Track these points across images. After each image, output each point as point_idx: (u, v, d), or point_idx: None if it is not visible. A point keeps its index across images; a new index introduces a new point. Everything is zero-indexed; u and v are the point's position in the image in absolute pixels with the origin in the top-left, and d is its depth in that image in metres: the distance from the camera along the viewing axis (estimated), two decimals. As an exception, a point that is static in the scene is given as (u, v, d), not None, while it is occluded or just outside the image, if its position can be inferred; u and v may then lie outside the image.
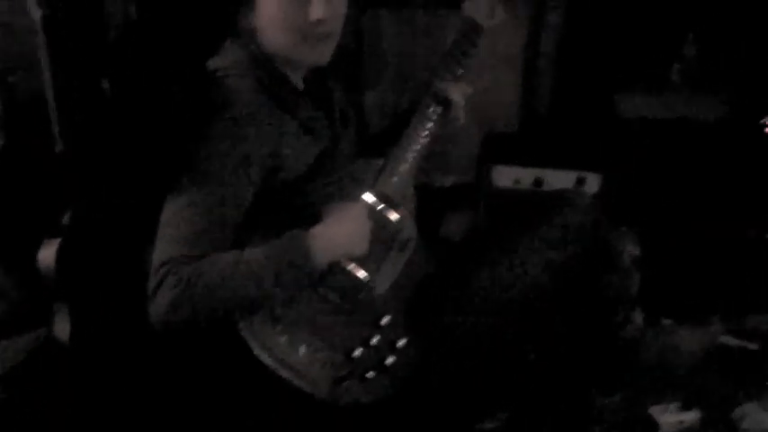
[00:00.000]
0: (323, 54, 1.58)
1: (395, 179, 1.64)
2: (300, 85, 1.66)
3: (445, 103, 1.71)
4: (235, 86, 1.52)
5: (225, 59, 1.59)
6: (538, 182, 2.64)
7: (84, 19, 2.26)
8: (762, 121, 2.59)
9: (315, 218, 1.52)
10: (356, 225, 1.53)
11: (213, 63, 1.59)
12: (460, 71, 1.74)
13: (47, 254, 1.70)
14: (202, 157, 1.45)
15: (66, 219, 1.75)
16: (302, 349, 1.48)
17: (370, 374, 1.55)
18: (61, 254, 1.70)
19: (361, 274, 1.57)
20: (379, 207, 1.62)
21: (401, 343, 1.60)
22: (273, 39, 1.54)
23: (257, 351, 1.44)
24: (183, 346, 1.51)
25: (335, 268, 1.54)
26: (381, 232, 1.62)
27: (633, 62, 2.85)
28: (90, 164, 1.77)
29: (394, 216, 1.63)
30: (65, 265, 1.70)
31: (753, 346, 2.16)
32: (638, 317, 2.01)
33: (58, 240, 1.71)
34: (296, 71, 1.64)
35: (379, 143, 1.78)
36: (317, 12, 1.50)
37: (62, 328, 1.72)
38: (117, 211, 1.79)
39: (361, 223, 1.54)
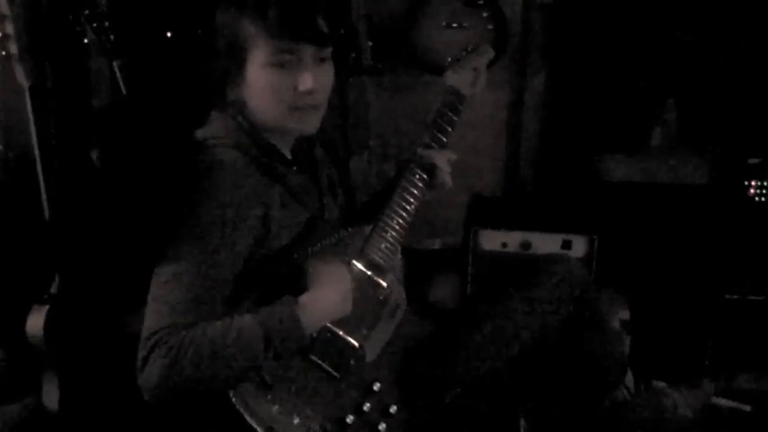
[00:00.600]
0: (310, 124, 1.60)
1: (383, 246, 1.65)
2: (288, 154, 1.68)
3: (430, 169, 1.73)
4: (222, 156, 1.53)
5: (212, 129, 1.60)
6: (525, 245, 2.65)
7: (72, 89, 2.28)
8: (744, 184, 2.63)
9: (303, 284, 1.52)
10: (341, 287, 1.53)
11: (201, 133, 1.60)
12: (444, 139, 1.76)
13: (35, 321, 1.70)
14: (191, 227, 1.45)
15: (54, 286, 1.75)
16: (294, 417, 1.48)
17: (363, 441, 1.54)
18: (50, 321, 1.69)
19: (352, 341, 1.57)
20: (368, 274, 1.62)
21: (393, 409, 1.59)
22: (262, 110, 1.56)
23: (249, 419, 1.43)
24: (174, 415, 1.50)
25: (326, 336, 1.54)
26: (371, 299, 1.63)
27: (615, 127, 2.90)
28: (78, 232, 1.77)
29: (383, 283, 1.64)
30: (53, 333, 1.69)
31: (745, 408, 2.15)
32: (630, 379, 2.01)
33: (47, 308, 1.70)
34: (283, 140, 1.66)
35: (367, 210, 1.79)
36: (305, 83, 1.52)
37: (51, 396, 1.70)
38: (105, 278, 1.79)
39: (346, 284, 1.54)
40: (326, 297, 1.51)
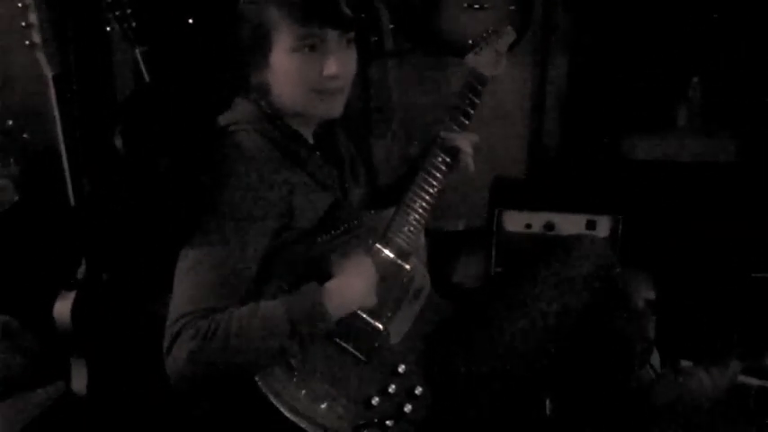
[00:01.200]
0: (335, 108, 1.60)
1: (406, 228, 1.65)
2: (310, 139, 1.68)
3: (453, 152, 1.73)
4: (246, 141, 1.54)
5: (236, 115, 1.61)
6: (549, 225, 2.64)
7: (95, 77, 2.30)
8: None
9: (327, 269, 1.53)
10: (367, 278, 1.54)
11: (224, 118, 1.61)
12: (467, 121, 1.76)
13: (62, 307, 1.71)
14: (215, 213, 1.46)
15: (80, 272, 1.76)
16: (320, 400, 1.49)
17: (389, 422, 1.55)
18: (77, 307, 1.71)
19: (377, 323, 1.58)
20: (391, 257, 1.63)
21: (419, 390, 1.60)
22: (287, 95, 1.56)
23: (274, 401, 1.44)
24: (201, 399, 1.51)
25: (351, 319, 1.54)
26: (394, 282, 1.63)
27: (639, 106, 2.87)
28: (104, 218, 1.78)
29: (406, 266, 1.64)
30: (81, 318, 1.71)
31: (772, 386, 2.14)
32: (656, 359, 2.00)
33: (74, 293, 1.72)
34: (306, 125, 1.66)
35: (389, 193, 1.79)
36: (330, 68, 1.52)
37: (79, 381, 1.72)
38: (131, 263, 1.80)
39: (371, 275, 1.55)
40: (352, 286, 1.51)
